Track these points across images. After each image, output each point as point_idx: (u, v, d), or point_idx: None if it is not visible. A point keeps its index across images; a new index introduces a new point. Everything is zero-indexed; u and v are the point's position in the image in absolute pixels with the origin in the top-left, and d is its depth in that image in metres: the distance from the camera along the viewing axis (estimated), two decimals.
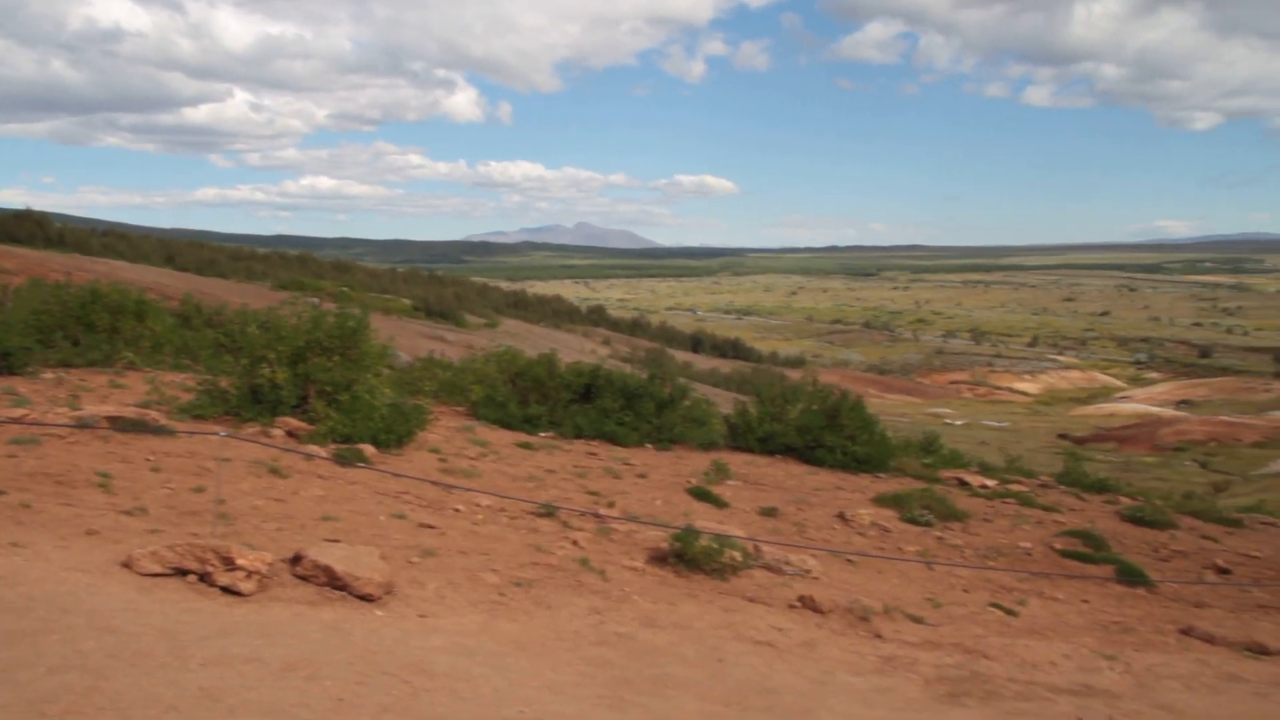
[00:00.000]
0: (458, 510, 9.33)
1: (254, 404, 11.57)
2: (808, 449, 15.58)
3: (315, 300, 25.39)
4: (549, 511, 9.60)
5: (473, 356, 20.04)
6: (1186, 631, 9.28)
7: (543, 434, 14.58)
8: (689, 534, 8.52)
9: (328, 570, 6.62)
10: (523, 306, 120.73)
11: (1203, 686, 7.62)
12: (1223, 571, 12.42)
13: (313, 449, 10.51)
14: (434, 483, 9.92)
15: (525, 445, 13.43)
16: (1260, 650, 8.81)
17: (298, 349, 11.66)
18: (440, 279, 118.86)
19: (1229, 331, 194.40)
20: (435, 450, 11.91)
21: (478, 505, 9.57)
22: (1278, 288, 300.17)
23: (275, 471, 9.47)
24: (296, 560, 6.76)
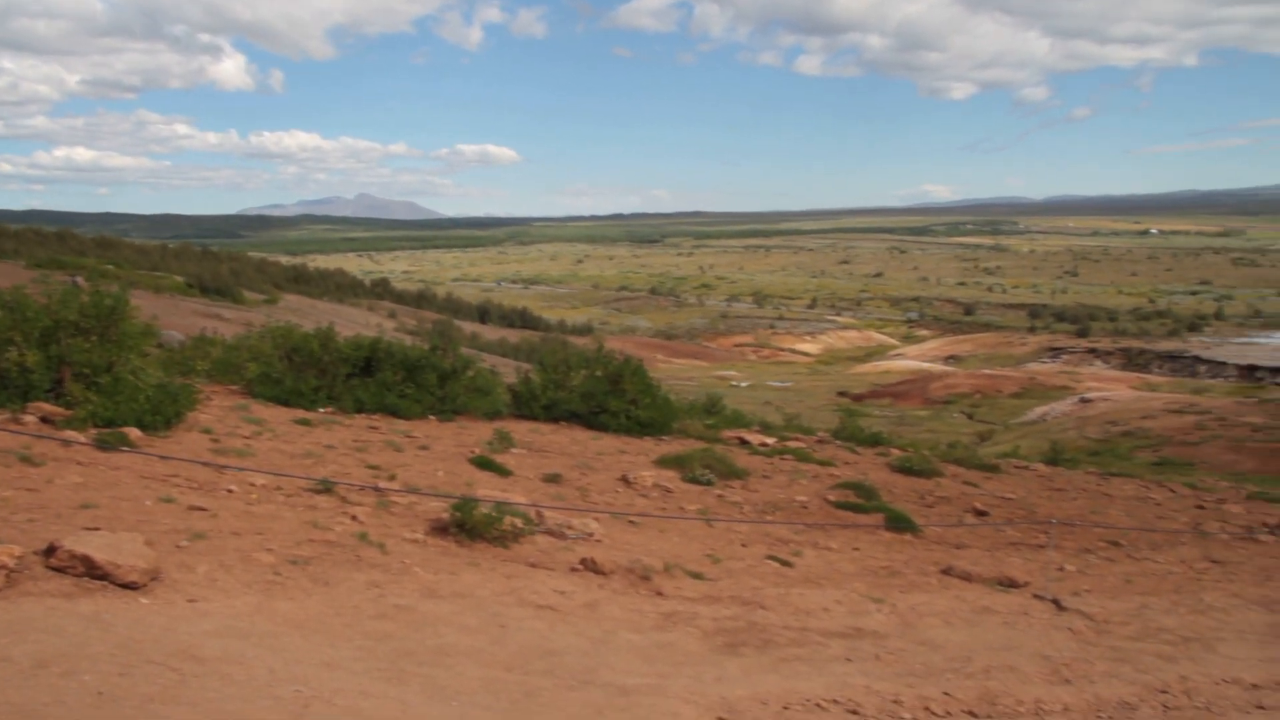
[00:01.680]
0: (231, 491, 9.02)
1: (1, 389, 10.85)
2: (592, 415, 15.73)
3: (74, 278, 23.98)
4: (327, 487, 9.39)
5: (249, 333, 19.35)
6: (947, 571, 9.86)
7: (322, 410, 14.22)
8: (468, 503, 8.49)
9: (86, 560, 6.30)
10: (304, 281, 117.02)
11: (959, 620, 8.12)
12: (981, 514, 13.24)
13: (70, 435, 9.94)
14: (205, 464, 9.55)
15: (303, 422, 13.08)
16: (1010, 584, 9.44)
17: (47, 329, 10.98)
18: (215, 255, 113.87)
19: (990, 290, 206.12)
20: (207, 431, 11.46)
21: (252, 485, 9.27)
22: (1031, 248, 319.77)
23: (27, 460, 8.93)
24: (50, 551, 6.40)
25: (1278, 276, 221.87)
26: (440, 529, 8.58)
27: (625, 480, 12.02)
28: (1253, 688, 7.09)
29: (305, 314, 63.18)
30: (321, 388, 14.65)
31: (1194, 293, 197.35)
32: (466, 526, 8.44)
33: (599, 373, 16.16)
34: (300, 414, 13.58)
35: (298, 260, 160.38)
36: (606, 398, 15.74)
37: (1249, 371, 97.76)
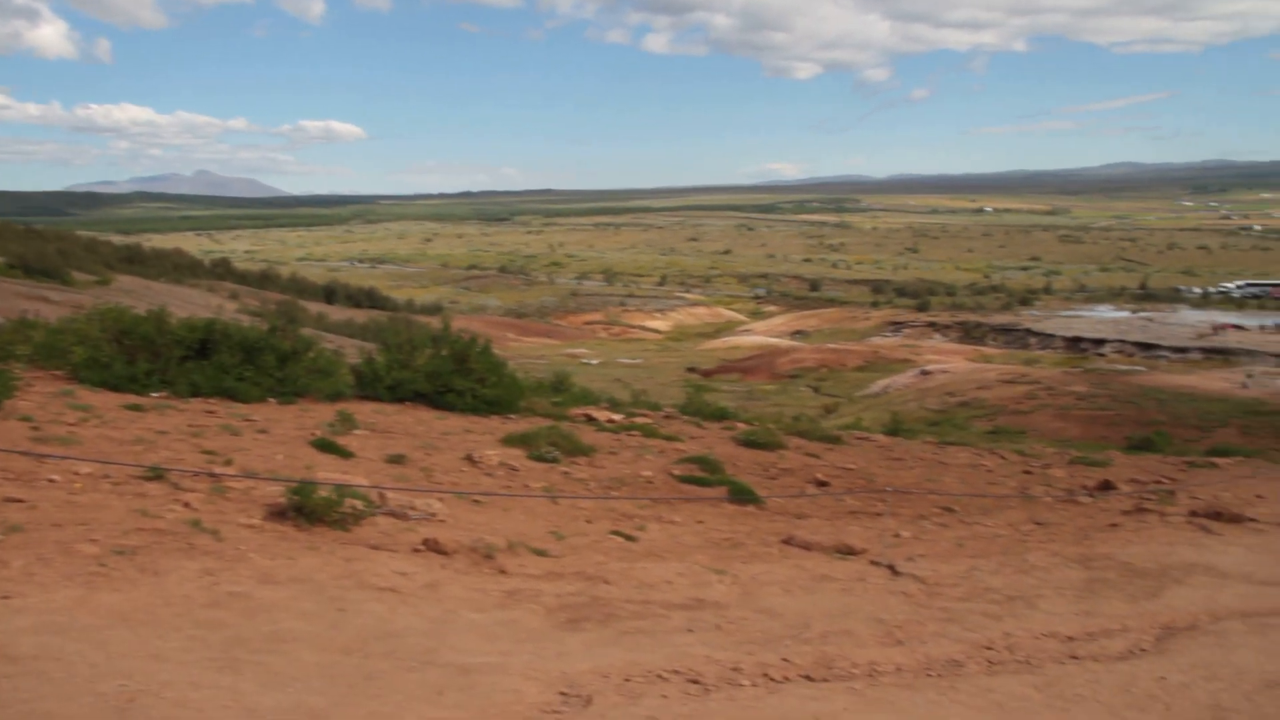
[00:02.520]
0: (52, 480, 8.63)
1: None
2: (438, 394, 15.56)
3: None
4: (158, 474, 9.06)
5: (76, 316, 18.51)
6: (788, 541, 10.09)
7: (155, 394, 13.72)
8: (307, 486, 8.32)
9: None
10: (139, 262, 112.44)
11: (799, 589, 8.31)
12: (822, 484, 13.57)
13: None
14: (23, 453, 9.12)
15: (135, 407, 12.59)
16: (849, 551, 9.72)
17: None
18: (40, 233, 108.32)
19: (834, 266, 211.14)
20: (27, 419, 10.93)
21: (76, 473, 8.89)
22: (874, 226, 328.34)
23: None
24: None
25: (1100, 253, 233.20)
26: (278, 514, 8.38)
27: (470, 459, 11.93)
28: (1068, 640, 7.45)
29: (140, 296, 60.83)
30: (154, 371, 14.13)
31: (1025, 268, 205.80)
32: (305, 510, 8.26)
33: (444, 352, 15.98)
34: (131, 399, 13.07)
35: (132, 240, 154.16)
36: (452, 377, 15.58)
37: (1074, 343, 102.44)
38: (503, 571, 7.92)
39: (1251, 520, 12.23)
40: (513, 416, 15.68)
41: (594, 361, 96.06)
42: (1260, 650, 7.41)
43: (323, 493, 8.36)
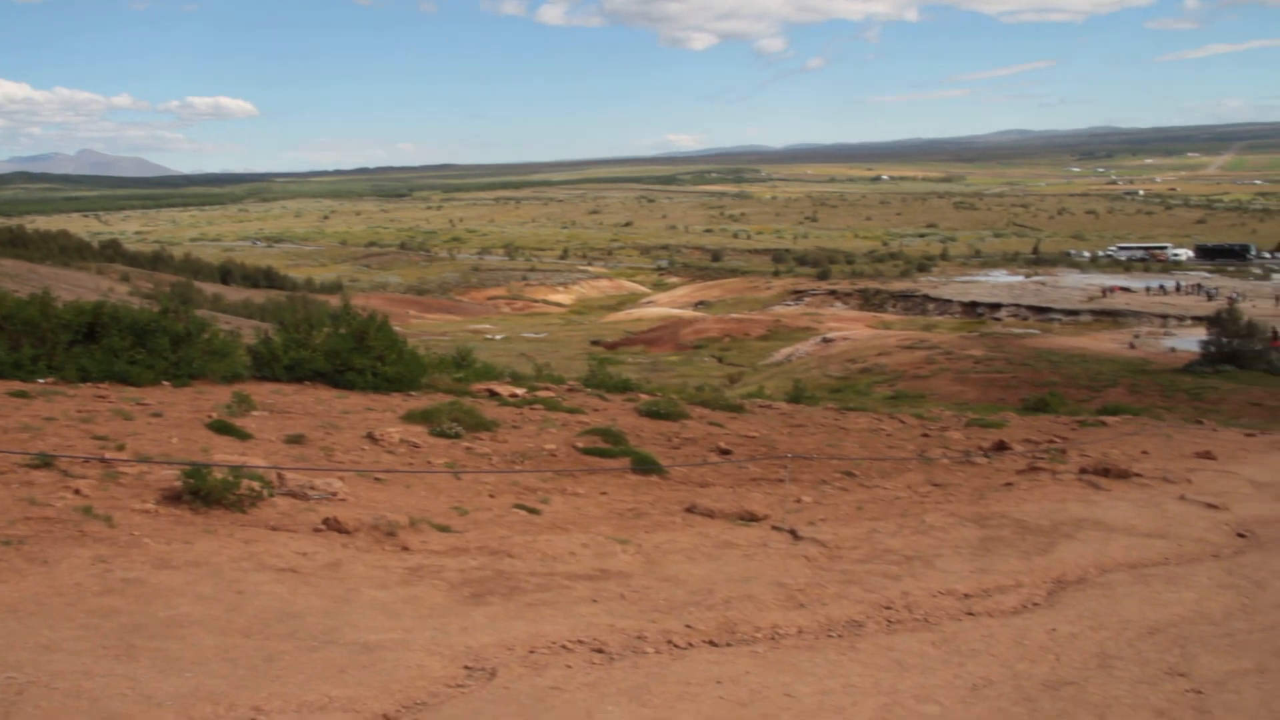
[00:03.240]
0: None
1: None
2: (337, 373, 15.36)
3: None
4: (45, 461, 8.81)
5: None
6: (691, 510, 10.18)
7: (42, 380, 13.33)
8: (202, 469, 8.17)
9: None
10: (22, 245, 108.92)
11: (702, 556, 8.40)
12: (724, 452, 13.71)
13: None
14: None
15: (20, 394, 12.21)
16: (751, 518, 9.84)
17: None
18: None
19: (735, 236, 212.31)
20: None
21: None
22: (773, 195, 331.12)
23: None
24: None
25: (994, 219, 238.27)
26: (173, 497, 8.22)
27: (371, 437, 11.81)
28: (965, 597, 7.66)
29: (24, 280, 58.84)
30: (40, 357, 13.73)
31: (922, 235, 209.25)
32: (201, 493, 8.11)
33: (343, 330, 15.78)
34: (16, 386, 12.68)
35: (13, 222, 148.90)
36: (351, 355, 15.39)
37: (971, 308, 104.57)
38: (405, 548, 7.87)
39: (1137, 476, 12.67)
40: (414, 394, 15.54)
41: (498, 337, 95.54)
42: (1143, 599, 7.71)
43: (219, 475, 8.21)
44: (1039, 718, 5.58)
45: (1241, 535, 10.04)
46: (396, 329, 17.61)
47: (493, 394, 16.18)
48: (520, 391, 16.59)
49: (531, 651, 6.05)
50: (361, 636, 6.00)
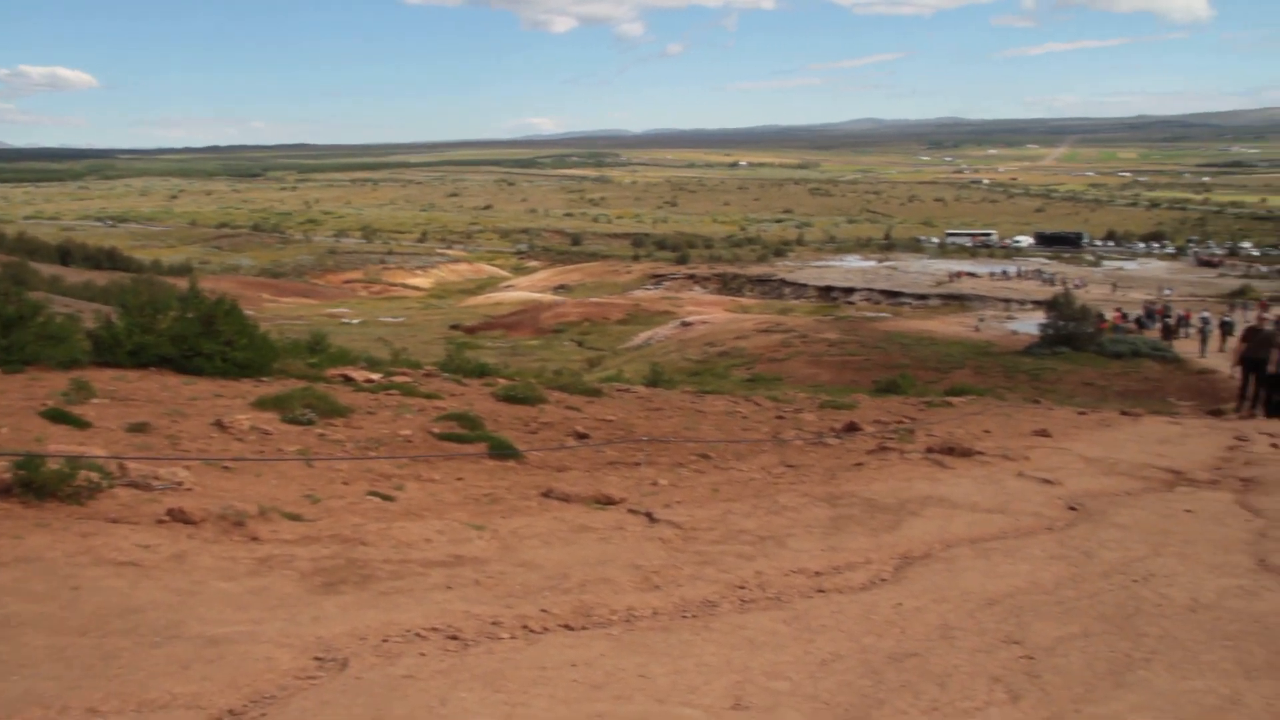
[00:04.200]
0: None
1: None
2: (184, 358, 14.84)
3: None
4: None
5: None
6: (547, 494, 10.16)
7: None
8: (34, 459, 7.80)
9: None
10: None
11: (558, 540, 8.40)
12: (582, 436, 13.72)
13: None
14: None
15: None
16: (608, 501, 9.87)
17: None
18: None
19: (595, 220, 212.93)
20: None
21: None
22: (633, 180, 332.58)
23: None
24: None
25: (847, 205, 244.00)
26: (2, 491, 7.84)
27: (220, 425, 11.46)
28: (816, 575, 7.83)
29: None
30: None
31: (779, 220, 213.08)
32: (33, 485, 7.75)
33: (190, 314, 15.26)
34: None
35: None
36: (199, 340, 14.89)
37: (826, 292, 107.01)
38: (254, 538, 7.67)
39: (979, 454, 13.12)
40: (265, 379, 15.13)
41: (355, 321, 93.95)
42: (983, 572, 8.00)
43: (54, 465, 7.87)
44: (883, 688, 5.74)
45: (1072, 508, 10.49)
46: (249, 313, 17.13)
47: (348, 379, 15.88)
48: (376, 377, 16.32)
49: (384, 640, 5.97)
50: (207, 630, 5.83)
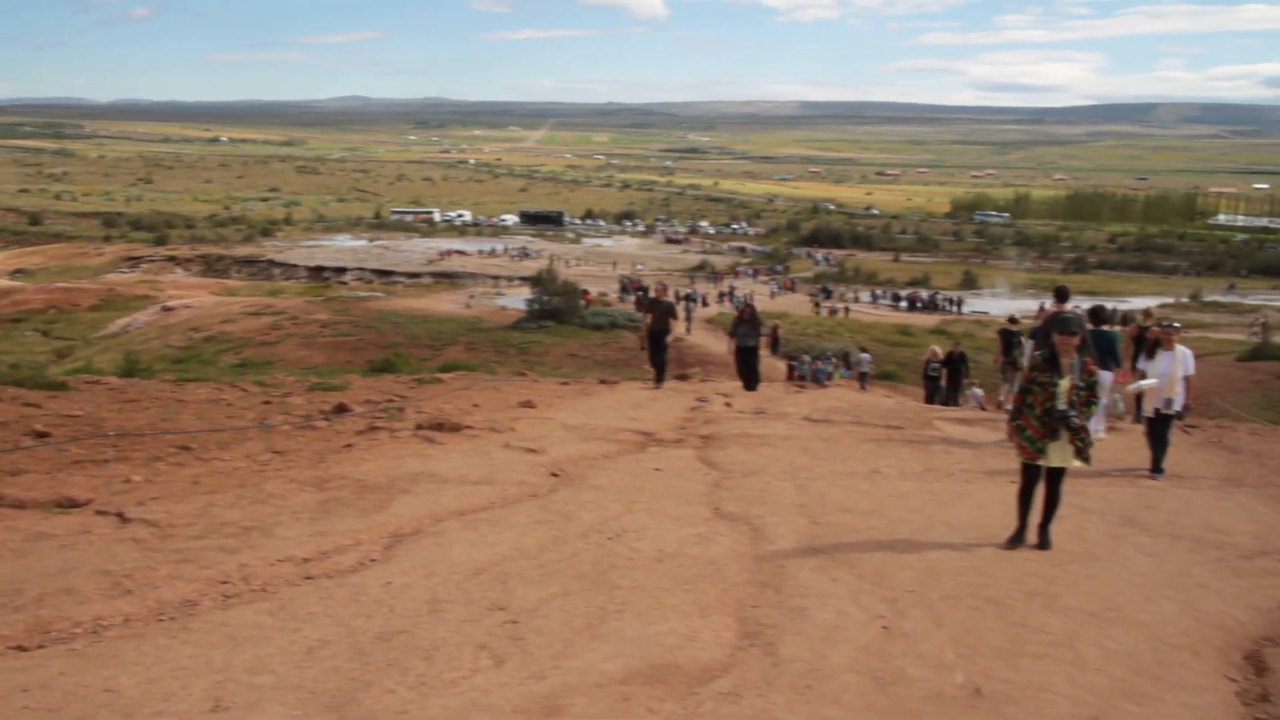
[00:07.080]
0: None
1: None
2: None
3: None
4: None
5: None
6: None
7: None
8: None
9: None
10: None
11: (9, 552, 7.57)
12: (41, 435, 12.46)
13: None
14: None
15: None
16: (70, 504, 9.05)
17: None
18: None
19: (58, 198, 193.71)
20: None
21: None
22: (100, 154, 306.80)
23: None
24: None
25: (336, 184, 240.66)
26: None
27: None
28: (304, 562, 7.65)
29: None
30: None
31: (265, 199, 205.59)
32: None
33: None
34: None
35: None
36: None
37: (317, 272, 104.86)
38: None
39: (468, 428, 13.44)
40: None
41: None
42: (470, 543, 8.21)
43: None
44: (371, 669, 5.73)
45: (555, 475, 11.04)
46: None
47: None
48: None
49: None
50: None
